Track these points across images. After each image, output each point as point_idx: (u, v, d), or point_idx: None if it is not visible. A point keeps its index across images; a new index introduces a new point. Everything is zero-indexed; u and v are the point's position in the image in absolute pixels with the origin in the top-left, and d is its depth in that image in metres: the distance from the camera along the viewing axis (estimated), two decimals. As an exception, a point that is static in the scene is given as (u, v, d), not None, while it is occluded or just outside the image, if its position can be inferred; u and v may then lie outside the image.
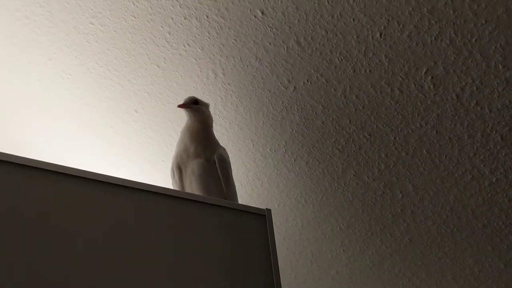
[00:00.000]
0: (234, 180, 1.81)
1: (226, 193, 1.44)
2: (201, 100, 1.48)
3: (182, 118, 1.69)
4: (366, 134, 1.58)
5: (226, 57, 1.51)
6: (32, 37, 1.64)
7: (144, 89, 1.67)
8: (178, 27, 1.48)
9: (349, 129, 1.57)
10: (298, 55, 1.45)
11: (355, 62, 1.42)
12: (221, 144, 1.75)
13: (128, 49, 1.58)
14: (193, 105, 1.45)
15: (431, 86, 1.43)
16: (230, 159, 1.76)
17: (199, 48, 1.51)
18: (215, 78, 1.57)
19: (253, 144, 1.69)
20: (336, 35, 1.37)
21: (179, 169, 1.44)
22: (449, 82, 1.41)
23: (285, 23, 1.38)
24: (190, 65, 1.56)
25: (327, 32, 1.37)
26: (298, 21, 1.37)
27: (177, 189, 1.46)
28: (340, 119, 1.56)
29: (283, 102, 1.57)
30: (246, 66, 1.51)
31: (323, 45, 1.40)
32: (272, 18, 1.38)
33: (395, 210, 1.73)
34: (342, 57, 1.42)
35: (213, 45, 1.50)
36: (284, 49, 1.44)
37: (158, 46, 1.55)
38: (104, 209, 1.08)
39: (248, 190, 1.82)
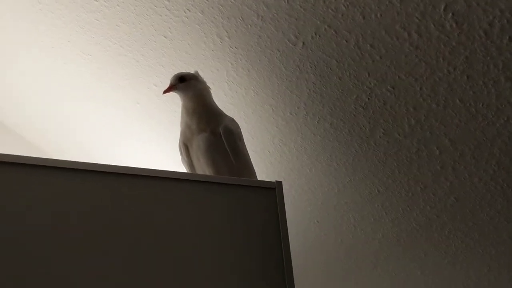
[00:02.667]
0: (257, 148, 1.64)
1: (237, 166, 1.26)
2: (187, 74, 1.29)
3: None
4: (389, 87, 1.33)
5: (228, 18, 1.33)
6: (48, 21, 1.56)
7: (158, 62, 1.54)
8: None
9: (369, 83, 1.34)
10: (301, 6, 1.23)
11: (363, 7, 1.19)
12: (234, 114, 1.58)
13: (134, 22, 1.45)
14: (180, 84, 1.26)
15: (454, 25, 1.16)
16: (251, 127, 1.59)
17: (200, 12, 1.34)
18: (221, 42, 1.39)
19: (272, 109, 1.50)
20: (336, -22, 1.14)
21: (186, 146, 1.30)
22: (474, 17, 1.14)
23: (280, -27, 1.18)
24: (195, 32, 1.40)
25: (326, -23, 1.15)
26: (293, -32, 1.16)
27: (186, 166, 1.32)
28: (358, 73, 1.33)
29: (294, 61, 1.36)
30: (249, 26, 1.32)
31: (325, -9, 1.18)
32: (266, -31, 1.18)
33: (434, 168, 1.47)
34: (348, 3, 1.19)
35: (212, 7, 1.32)
36: (285, 2, 1.23)
37: (161, 16, 1.40)
38: (102, 199, 0.98)
39: (277, 157, 1.64)
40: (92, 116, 1.87)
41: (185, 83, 1.28)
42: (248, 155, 1.35)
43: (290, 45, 1.32)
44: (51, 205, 0.93)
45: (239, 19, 1.31)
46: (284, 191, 1.78)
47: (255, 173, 1.36)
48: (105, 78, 1.67)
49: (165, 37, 1.45)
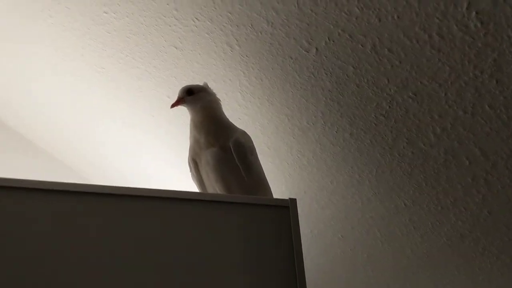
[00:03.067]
0: (275, 160, 1.55)
1: (249, 182, 1.17)
2: (196, 86, 1.22)
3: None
4: (410, 94, 1.23)
5: (237, 26, 1.25)
6: (60, 35, 1.53)
7: (170, 73, 1.48)
8: (183, 0, 1.25)
9: (390, 90, 1.23)
10: (312, 10, 1.14)
11: (378, 9, 1.09)
12: (249, 125, 1.50)
13: (144, 34, 1.39)
14: (188, 97, 1.19)
15: (478, 25, 1.05)
16: (268, 138, 1.51)
17: (208, 21, 1.27)
18: (232, 51, 1.32)
19: (288, 119, 1.42)
20: (348, -22, 1.05)
21: (195, 162, 1.22)
22: (501, 16, 1.02)
23: (288, -25, 1.09)
24: (205, 41, 1.33)
25: (337, -23, 1.06)
26: (302, -31, 1.07)
27: (196, 183, 1.25)
28: (377, 80, 1.23)
29: (308, 68, 1.27)
30: (259, 33, 1.24)
31: (337, -7, 1.09)
32: (273, -28, 1.10)
33: (464, 180, 1.35)
34: (362, 5, 1.09)
35: (220, 15, 1.25)
36: (295, 6, 1.15)
37: (170, 26, 1.33)
38: (109, 221, 0.95)
39: (296, 169, 1.55)
40: (109, 132, 1.83)
41: (193, 96, 1.20)
42: (262, 170, 1.26)
43: (303, 51, 1.24)
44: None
45: (249, 26, 1.24)
46: (306, 204, 1.69)
47: (269, 189, 1.27)
48: (119, 92, 1.63)
49: (175, 47, 1.39)
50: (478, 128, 1.21)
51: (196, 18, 1.28)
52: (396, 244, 1.61)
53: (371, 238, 1.63)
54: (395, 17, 1.09)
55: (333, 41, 1.18)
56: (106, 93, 1.65)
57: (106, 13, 1.38)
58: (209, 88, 1.24)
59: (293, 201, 1.08)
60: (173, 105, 1.22)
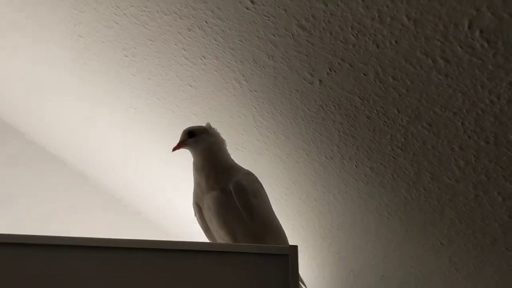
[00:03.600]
0: (302, 196, 1.47)
1: (253, 227, 1.10)
2: (197, 128, 1.18)
3: (230, 136, 1.43)
4: (425, 124, 1.09)
5: (241, 61, 1.21)
6: (92, 79, 1.59)
7: (190, 111, 1.47)
8: (188, 40, 1.24)
9: (402, 120, 1.11)
10: (308, 41, 1.07)
11: (374, 35, 0.99)
12: (270, 160, 1.43)
13: (162, 74, 1.40)
14: (189, 140, 1.16)
15: (485, 44, 0.91)
16: (291, 173, 1.43)
17: (214, 59, 1.25)
18: (241, 86, 1.27)
19: (306, 154, 1.33)
20: (337, 5, 0.97)
21: (199, 206, 1.16)
22: (509, 33, 0.88)
23: (278, 7, 1.03)
24: (215, 78, 1.30)
25: (326, 5, 0.98)
26: (291, 0, 1.01)
27: (202, 227, 1.19)
28: (386, 110, 1.11)
29: (316, 101, 1.19)
30: (263, 67, 1.19)
31: (329, 21, 1.00)
32: (264, 5, 1.05)
33: (500, 217, 1.17)
34: (357, 32, 1.00)
35: (224, 52, 1.21)
36: (290, 38, 1.08)
37: (181, 65, 1.33)
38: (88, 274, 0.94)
39: (324, 205, 1.45)
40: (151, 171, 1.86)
41: (194, 138, 1.17)
42: (270, 213, 1.17)
43: (307, 84, 1.16)
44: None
45: (251, 61, 1.19)
46: (342, 242, 1.57)
47: (280, 233, 1.17)
48: (151, 129, 1.65)
49: (190, 86, 1.38)
50: (506, 160, 1.05)
51: (203, 57, 1.26)
52: (440, 286, 1.44)
53: (414, 279, 1.47)
54: (393, 42, 0.98)
55: (335, 72, 1.10)
56: (142, 131, 1.68)
57: (126, 56, 1.41)
58: (212, 129, 1.20)
59: (293, 249, 1.00)
60: (174, 149, 1.19)
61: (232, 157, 1.26)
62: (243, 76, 1.24)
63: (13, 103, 2.01)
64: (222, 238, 1.15)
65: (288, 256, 0.99)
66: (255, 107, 1.31)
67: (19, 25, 1.51)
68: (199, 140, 1.16)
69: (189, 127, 1.19)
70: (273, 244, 1.15)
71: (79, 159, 2.13)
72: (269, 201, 1.20)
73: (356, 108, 1.15)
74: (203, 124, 1.26)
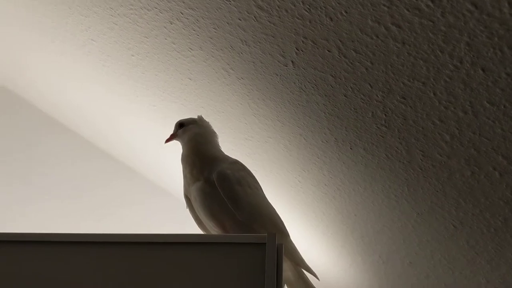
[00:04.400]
0: (314, 182, 1.41)
1: (240, 216, 1.04)
2: (186, 119, 1.17)
3: (236, 126, 1.42)
4: (399, 98, 0.99)
5: (221, 49, 1.20)
6: (114, 81, 1.67)
7: (197, 104, 1.49)
8: (173, 33, 1.26)
9: (376, 95, 1.02)
10: (269, 21, 1.03)
11: (324, 7, 0.92)
12: (274, 147, 1.40)
13: (164, 69, 1.44)
14: (179, 131, 1.15)
15: (430, 3, 0.80)
16: (297, 159, 1.38)
17: (199, 49, 1.25)
18: (229, 75, 1.26)
19: (304, 139, 1.28)
20: (284, -18, 0.93)
21: (188, 198, 1.13)
22: (450, -13, 0.76)
23: (235, -9, 1.02)
24: (206, 69, 1.31)
25: (274, -17, 0.94)
26: (243, -18, 0.99)
27: (195, 220, 1.19)
28: (359, 86, 1.03)
29: (295, 83, 1.14)
30: (241, 54, 1.17)
31: None
32: (223, -9, 1.04)
33: (503, 194, 1.02)
34: (308, 6, 0.94)
35: (205, 42, 1.22)
36: (254, 21, 1.06)
37: (176, 59, 1.36)
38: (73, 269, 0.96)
39: (335, 190, 1.38)
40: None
41: (183, 129, 1.16)
42: (259, 200, 1.10)
43: (283, 66, 1.12)
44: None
45: (230, 48, 1.18)
46: (362, 227, 1.49)
47: (270, 221, 1.09)
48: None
49: (190, 79, 1.40)
50: (489, 130, 0.92)
51: (190, 48, 1.28)
52: (466, 271, 1.31)
53: (438, 264, 1.35)
54: (344, 12, 0.92)
55: (302, 51, 1.05)
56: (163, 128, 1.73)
57: (133, 55, 1.46)
58: (203, 121, 1.18)
59: (271, 237, 0.91)
60: (167, 141, 1.20)
61: (244, 147, 1.24)
62: (228, 64, 1.24)
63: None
64: (213, 229, 1.13)
65: (265, 245, 0.91)
66: (247, 95, 1.29)
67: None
68: (185, 131, 1.16)
69: (180, 120, 1.20)
70: (264, 233, 1.10)
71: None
72: (260, 189, 1.16)
73: (332, 87, 1.08)
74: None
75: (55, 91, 1.99)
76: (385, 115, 1.06)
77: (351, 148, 1.21)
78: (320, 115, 1.18)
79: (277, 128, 1.32)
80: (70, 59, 1.65)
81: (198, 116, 1.22)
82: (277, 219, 1.14)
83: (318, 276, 1.03)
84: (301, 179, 1.45)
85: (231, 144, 1.53)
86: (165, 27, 1.26)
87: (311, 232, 1.64)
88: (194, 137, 1.15)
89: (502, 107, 0.87)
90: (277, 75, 1.16)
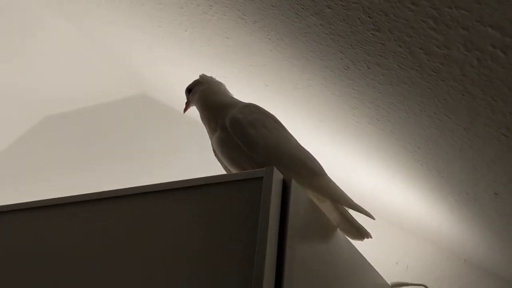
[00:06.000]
0: (339, 129, 1.29)
1: (257, 158, 1.00)
2: (191, 83, 1.20)
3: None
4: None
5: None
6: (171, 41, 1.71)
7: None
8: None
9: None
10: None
11: None
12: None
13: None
14: (189, 96, 1.19)
15: None
16: (324, 110, 1.28)
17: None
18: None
19: (323, 76, 1.17)
20: None
21: (215, 152, 1.15)
22: None
23: None
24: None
25: None
26: None
27: (225, 171, 1.16)
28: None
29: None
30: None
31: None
32: None
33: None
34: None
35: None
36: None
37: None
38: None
39: (371, 127, 1.24)
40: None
41: (191, 93, 1.20)
42: (278, 140, 1.06)
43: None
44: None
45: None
46: (431, 155, 1.29)
47: (296, 161, 1.05)
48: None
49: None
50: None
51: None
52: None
53: (482, 240, 1.13)
54: None
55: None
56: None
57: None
58: (205, 77, 1.21)
59: (269, 171, 0.83)
60: (184, 110, 1.24)
61: (290, 99, 1.16)
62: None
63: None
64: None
65: (263, 179, 0.83)
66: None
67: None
68: (194, 93, 1.19)
69: (187, 86, 1.22)
70: (289, 174, 1.03)
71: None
72: (281, 129, 1.10)
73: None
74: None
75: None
76: (369, 17, 0.93)
77: (368, 68, 1.08)
78: (324, 38, 1.08)
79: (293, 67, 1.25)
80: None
81: (200, 75, 1.23)
82: (304, 158, 1.07)
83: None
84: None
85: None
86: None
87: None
88: (202, 94, 1.17)
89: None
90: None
